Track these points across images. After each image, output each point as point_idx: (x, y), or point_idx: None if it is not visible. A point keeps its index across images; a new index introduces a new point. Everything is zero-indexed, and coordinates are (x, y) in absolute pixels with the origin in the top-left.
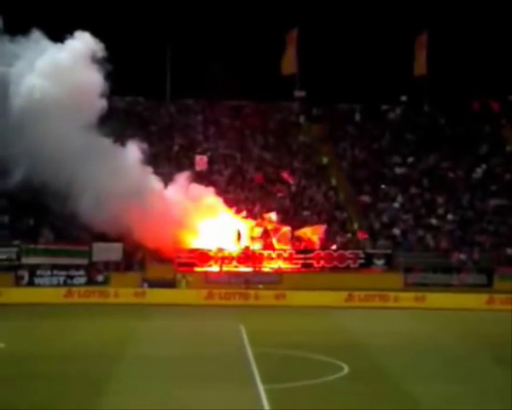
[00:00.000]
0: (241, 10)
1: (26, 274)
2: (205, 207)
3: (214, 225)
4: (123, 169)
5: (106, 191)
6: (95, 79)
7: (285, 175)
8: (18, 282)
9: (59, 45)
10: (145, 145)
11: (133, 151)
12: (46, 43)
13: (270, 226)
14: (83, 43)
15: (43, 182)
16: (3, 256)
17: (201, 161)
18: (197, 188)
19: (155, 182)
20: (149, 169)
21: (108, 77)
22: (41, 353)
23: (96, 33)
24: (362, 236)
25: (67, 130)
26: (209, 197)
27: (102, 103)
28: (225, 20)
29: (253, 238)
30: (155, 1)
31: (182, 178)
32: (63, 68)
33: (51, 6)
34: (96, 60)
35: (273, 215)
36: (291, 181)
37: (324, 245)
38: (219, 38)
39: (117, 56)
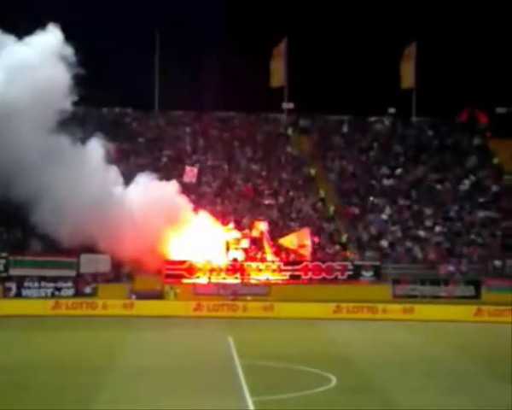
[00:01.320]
0: (230, 22)
1: (13, 286)
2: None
3: (200, 237)
4: (85, 173)
5: (67, 199)
6: (60, 79)
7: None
8: (5, 293)
9: (23, 41)
10: (109, 143)
11: (96, 151)
12: (7, 38)
13: (256, 234)
14: (49, 40)
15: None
16: None
17: (191, 173)
18: (159, 186)
19: (117, 185)
20: (114, 168)
21: (83, 84)
22: (30, 364)
23: (82, 44)
24: (352, 255)
25: (28, 133)
26: (175, 197)
27: (66, 105)
28: (215, 32)
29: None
30: (144, 11)
31: (143, 178)
32: (26, 66)
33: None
34: (63, 58)
35: (263, 225)
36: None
37: (315, 248)
38: (208, 50)
39: (105, 67)
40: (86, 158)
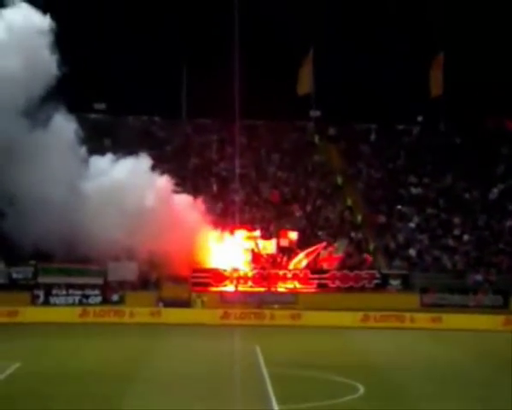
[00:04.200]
0: (258, 29)
1: (41, 293)
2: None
3: (227, 245)
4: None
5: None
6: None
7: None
8: (34, 301)
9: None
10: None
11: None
12: None
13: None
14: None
15: None
16: (20, 276)
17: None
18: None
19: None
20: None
21: (110, 93)
22: (56, 372)
23: (109, 52)
24: (368, 259)
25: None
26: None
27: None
28: (242, 40)
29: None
30: (171, 19)
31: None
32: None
33: None
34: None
35: (293, 234)
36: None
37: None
38: (235, 58)
39: (133, 76)
40: (51, 144)
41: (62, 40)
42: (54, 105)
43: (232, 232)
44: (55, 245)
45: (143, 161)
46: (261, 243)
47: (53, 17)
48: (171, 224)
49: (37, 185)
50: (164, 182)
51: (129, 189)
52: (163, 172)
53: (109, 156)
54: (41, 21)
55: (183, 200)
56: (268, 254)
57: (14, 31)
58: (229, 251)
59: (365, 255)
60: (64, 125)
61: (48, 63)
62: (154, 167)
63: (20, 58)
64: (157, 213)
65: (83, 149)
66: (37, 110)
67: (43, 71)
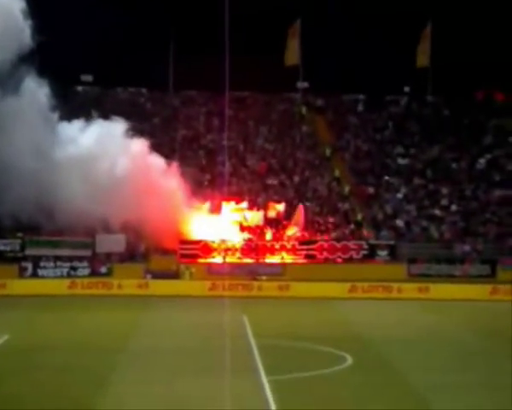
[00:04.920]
0: (245, 1)
1: (29, 266)
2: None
3: (214, 217)
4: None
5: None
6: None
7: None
8: (22, 273)
9: None
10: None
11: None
12: None
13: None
14: None
15: None
16: (7, 248)
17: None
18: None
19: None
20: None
21: (98, 64)
22: (45, 344)
23: (96, 24)
24: (368, 234)
25: None
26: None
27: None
28: (229, 11)
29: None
30: None
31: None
32: None
33: None
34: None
35: (281, 206)
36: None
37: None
38: (222, 30)
39: (119, 48)
40: (22, 111)
41: (47, 9)
42: (24, 70)
43: (220, 204)
44: (32, 215)
45: (116, 126)
46: (248, 214)
47: None
48: (147, 191)
49: (8, 154)
50: (138, 146)
51: (98, 156)
52: (136, 135)
53: (79, 123)
54: None
55: (160, 163)
56: (255, 226)
57: None
58: (217, 223)
59: (364, 231)
60: (35, 90)
61: (20, 29)
62: (129, 133)
63: None
64: (130, 179)
65: (55, 116)
66: (8, 76)
67: (14, 36)
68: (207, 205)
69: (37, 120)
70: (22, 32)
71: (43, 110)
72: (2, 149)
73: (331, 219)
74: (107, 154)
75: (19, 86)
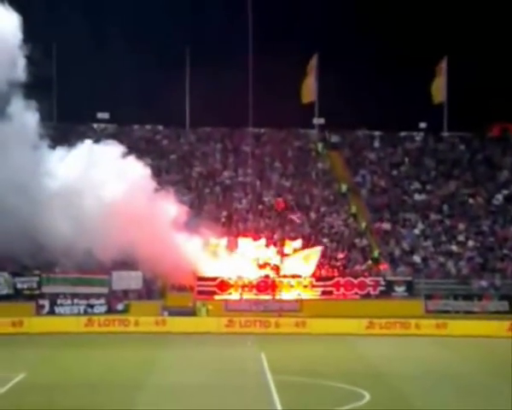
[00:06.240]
0: (261, 38)
1: (46, 303)
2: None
3: (232, 253)
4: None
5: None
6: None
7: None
8: (39, 311)
9: None
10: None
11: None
12: None
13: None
14: None
15: None
16: (24, 285)
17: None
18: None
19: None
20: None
21: (114, 103)
22: (62, 382)
23: (113, 61)
24: (383, 267)
25: None
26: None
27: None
28: (245, 48)
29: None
30: (173, 29)
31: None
32: None
33: None
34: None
35: (297, 242)
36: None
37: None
38: (238, 67)
39: (136, 85)
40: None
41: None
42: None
43: (236, 241)
44: (22, 253)
45: (109, 150)
46: (265, 251)
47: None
48: (162, 228)
49: None
50: (136, 172)
51: (85, 186)
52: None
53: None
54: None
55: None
56: (272, 263)
57: None
58: (234, 259)
59: (381, 264)
60: (23, 114)
61: (13, 58)
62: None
63: None
64: (120, 209)
65: (44, 144)
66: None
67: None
68: (224, 241)
69: (26, 147)
70: (15, 60)
71: (32, 138)
72: None
73: (348, 256)
74: (90, 184)
75: (8, 113)
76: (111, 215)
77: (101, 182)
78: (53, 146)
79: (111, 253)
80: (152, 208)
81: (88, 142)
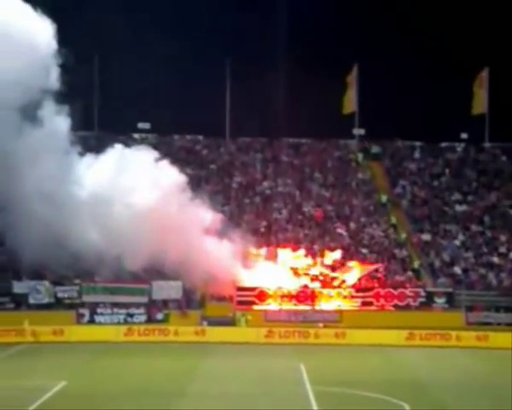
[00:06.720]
0: (302, 49)
1: (86, 312)
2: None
3: (271, 263)
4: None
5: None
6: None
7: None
8: (79, 320)
9: None
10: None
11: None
12: None
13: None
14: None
15: None
16: (65, 295)
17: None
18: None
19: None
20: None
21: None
22: (102, 390)
23: (154, 72)
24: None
25: None
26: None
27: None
28: (286, 58)
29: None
30: (214, 40)
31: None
32: None
33: None
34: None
35: (337, 253)
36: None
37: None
38: (279, 77)
39: (176, 95)
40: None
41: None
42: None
43: (276, 251)
44: (57, 262)
45: (141, 156)
46: (304, 261)
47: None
48: (171, 228)
49: (27, 198)
50: (170, 179)
51: (115, 192)
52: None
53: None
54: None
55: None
56: (312, 274)
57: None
58: (273, 269)
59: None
60: (55, 120)
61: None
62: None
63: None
64: (152, 216)
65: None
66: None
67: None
68: (263, 252)
69: (57, 156)
70: (48, 69)
71: (63, 144)
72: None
73: (388, 266)
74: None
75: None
76: (142, 223)
77: (132, 188)
78: (95, 156)
79: (141, 261)
80: (185, 216)
81: (119, 147)
